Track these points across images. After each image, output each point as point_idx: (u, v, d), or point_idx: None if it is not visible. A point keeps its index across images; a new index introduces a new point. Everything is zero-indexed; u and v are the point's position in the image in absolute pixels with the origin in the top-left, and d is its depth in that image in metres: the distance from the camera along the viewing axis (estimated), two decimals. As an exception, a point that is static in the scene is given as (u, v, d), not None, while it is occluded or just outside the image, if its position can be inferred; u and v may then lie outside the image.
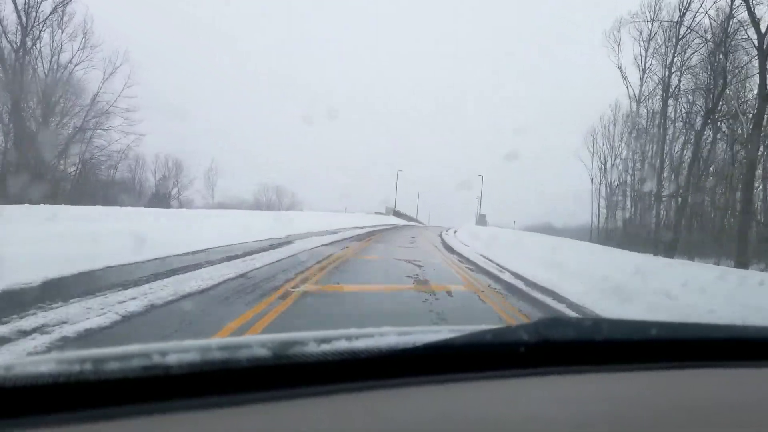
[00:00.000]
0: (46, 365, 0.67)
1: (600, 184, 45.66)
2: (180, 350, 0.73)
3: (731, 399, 0.89)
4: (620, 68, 33.32)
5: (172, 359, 0.71)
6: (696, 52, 25.90)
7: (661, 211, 30.57)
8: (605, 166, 44.04)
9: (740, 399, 0.89)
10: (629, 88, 33.77)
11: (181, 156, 57.45)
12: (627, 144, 34.76)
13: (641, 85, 33.24)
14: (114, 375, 0.68)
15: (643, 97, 32.83)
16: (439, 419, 0.74)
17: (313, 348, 0.78)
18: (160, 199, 56.29)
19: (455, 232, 32.60)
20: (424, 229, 36.20)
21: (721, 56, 22.47)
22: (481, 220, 60.66)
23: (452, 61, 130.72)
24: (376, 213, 56.99)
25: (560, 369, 0.92)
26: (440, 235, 26.47)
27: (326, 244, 13.44)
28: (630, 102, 34.71)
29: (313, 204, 64.39)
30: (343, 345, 0.82)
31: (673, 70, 26.91)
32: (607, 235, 43.78)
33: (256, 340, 0.79)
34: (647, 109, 33.35)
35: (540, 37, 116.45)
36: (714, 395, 0.91)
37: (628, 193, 37.17)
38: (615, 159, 42.87)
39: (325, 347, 0.79)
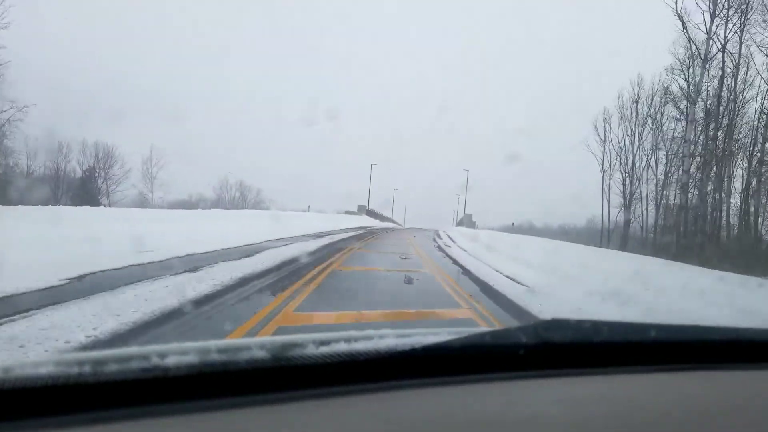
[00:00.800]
0: (45, 367, 0.67)
1: (611, 178, 38.36)
2: (179, 352, 0.72)
3: (729, 400, 0.90)
4: (679, 15, 24.23)
5: (171, 361, 0.70)
6: None
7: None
8: (625, 152, 36.64)
9: (738, 400, 0.90)
10: (691, 43, 23.32)
11: (116, 143, 48.61)
12: (688, 120, 25.53)
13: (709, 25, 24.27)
14: (113, 377, 0.68)
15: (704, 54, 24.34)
16: (439, 421, 0.73)
17: (312, 350, 0.78)
18: (87, 194, 46.74)
19: (452, 239, 24.42)
20: (408, 235, 27.21)
21: None
22: (467, 220, 52.77)
23: (437, 53, 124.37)
24: (347, 212, 49.15)
25: (559, 371, 0.92)
26: (441, 248, 17.92)
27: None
28: (692, 61, 26.25)
29: (281, 202, 58.14)
30: (342, 347, 0.81)
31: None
32: (622, 238, 36.30)
33: (256, 342, 0.78)
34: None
35: (535, 33, 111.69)
36: (712, 397, 0.91)
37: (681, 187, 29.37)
38: (638, 145, 35.56)
39: (324, 349, 0.79)
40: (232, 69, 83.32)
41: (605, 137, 38.90)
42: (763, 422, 0.82)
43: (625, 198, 36.28)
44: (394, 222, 63.16)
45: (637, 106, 35.03)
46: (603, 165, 38.89)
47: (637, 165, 35.16)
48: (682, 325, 1.13)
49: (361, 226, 33.93)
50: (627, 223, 35.78)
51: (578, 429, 0.74)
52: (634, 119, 35.36)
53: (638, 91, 34.97)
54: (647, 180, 35.10)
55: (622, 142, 36.87)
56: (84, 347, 3.93)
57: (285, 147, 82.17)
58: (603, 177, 38.79)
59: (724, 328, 1.15)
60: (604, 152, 39.27)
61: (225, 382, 0.72)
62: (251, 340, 0.80)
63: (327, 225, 24.44)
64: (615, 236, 38.48)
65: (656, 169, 34.58)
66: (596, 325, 1.02)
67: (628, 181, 36.19)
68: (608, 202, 39.00)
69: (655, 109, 33.83)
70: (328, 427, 0.68)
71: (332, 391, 0.76)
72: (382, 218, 57.37)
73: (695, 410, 0.84)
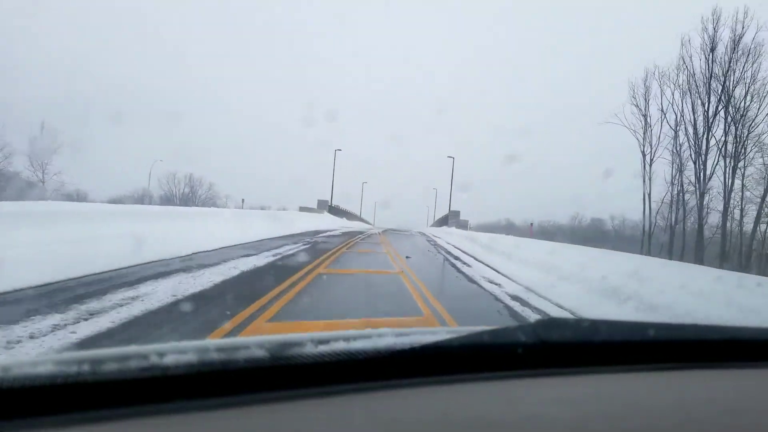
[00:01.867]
0: (44, 366, 0.67)
1: (651, 162, 27.82)
2: (177, 351, 0.72)
3: (728, 400, 0.89)
4: None
5: (169, 360, 0.70)
6: None
7: None
8: (692, 123, 25.94)
9: (737, 400, 0.89)
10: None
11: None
12: None
13: None
14: (112, 376, 0.68)
15: None
16: (437, 420, 0.73)
17: (310, 349, 0.78)
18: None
19: (515, 281, 12.74)
20: (397, 257, 12.26)
21: None
22: (455, 219, 41.13)
23: (416, 42, 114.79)
24: (302, 209, 37.47)
25: (558, 370, 0.92)
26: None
27: None
28: None
29: (237, 198, 52.03)
30: (340, 346, 0.81)
31: None
32: (669, 240, 25.58)
33: (254, 341, 0.78)
34: None
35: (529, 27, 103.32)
36: (711, 396, 0.90)
37: None
38: (715, 112, 24.91)
39: (323, 348, 0.79)
40: (194, 64, 73.47)
41: (647, 107, 28.07)
42: (763, 422, 0.81)
43: (673, 201, 25.78)
44: (363, 221, 51.72)
45: (712, 55, 24.22)
46: (643, 145, 28.04)
47: (712, 140, 24.52)
48: (682, 324, 1.12)
49: (311, 230, 22.30)
50: (678, 222, 25.49)
51: (577, 428, 0.74)
52: (706, 76, 24.51)
53: (715, 34, 24.09)
54: (697, 165, 24.81)
55: (681, 110, 26.12)
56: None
57: (254, 144, 73.48)
58: (644, 161, 27.96)
59: (724, 328, 1.15)
60: (645, 127, 28.46)
61: (224, 381, 0.72)
62: (250, 339, 0.80)
63: (250, 234, 12.96)
64: (655, 240, 28.01)
65: (723, 151, 24.09)
66: (595, 324, 1.01)
67: (696, 164, 25.56)
68: (649, 196, 28.24)
69: (728, 64, 23.21)
70: (327, 426, 0.69)
71: (331, 390, 0.76)
72: (350, 216, 46.30)
73: (694, 410, 0.83)
